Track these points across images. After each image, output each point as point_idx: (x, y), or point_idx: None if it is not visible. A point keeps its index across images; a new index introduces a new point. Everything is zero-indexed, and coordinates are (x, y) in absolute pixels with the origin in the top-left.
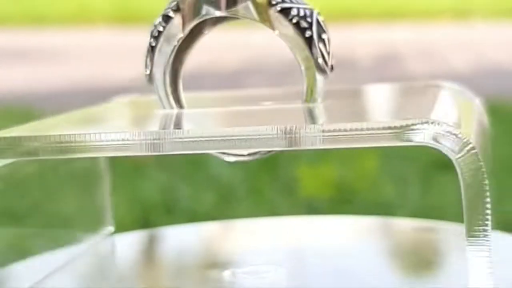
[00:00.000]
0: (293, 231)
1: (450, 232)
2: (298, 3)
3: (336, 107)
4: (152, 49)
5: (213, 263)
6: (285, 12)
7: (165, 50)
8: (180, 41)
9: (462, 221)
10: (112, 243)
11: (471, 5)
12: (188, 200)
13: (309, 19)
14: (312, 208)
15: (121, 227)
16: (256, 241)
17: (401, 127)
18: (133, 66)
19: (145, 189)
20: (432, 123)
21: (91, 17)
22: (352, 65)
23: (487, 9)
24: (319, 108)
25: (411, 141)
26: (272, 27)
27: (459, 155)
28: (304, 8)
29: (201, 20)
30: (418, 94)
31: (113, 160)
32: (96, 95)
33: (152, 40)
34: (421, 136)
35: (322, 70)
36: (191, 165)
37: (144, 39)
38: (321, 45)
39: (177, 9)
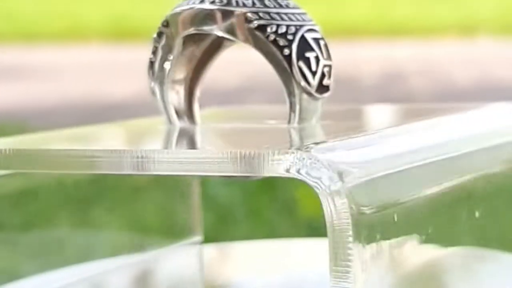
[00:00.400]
0: (293, 254)
1: None
2: (281, 19)
3: (311, 130)
4: (151, 64)
5: (211, 286)
6: (262, 29)
7: (163, 65)
8: (174, 57)
9: None
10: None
11: (476, 22)
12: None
13: (290, 37)
14: (312, 228)
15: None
16: (255, 264)
17: (245, 156)
18: (127, 82)
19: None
20: (293, 151)
21: (84, 34)
22: (354, 83)
23: (492, 26)
24: (290, 131)
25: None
26: (252, 45)
27: (325, 188)
28: (288, 25)
29: (183, 36)
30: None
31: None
32: (90, 112)
33: (151, 55)
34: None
35: (304, 91)
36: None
37: (138, 56)
38: (302, 64)
39: (166, 25)
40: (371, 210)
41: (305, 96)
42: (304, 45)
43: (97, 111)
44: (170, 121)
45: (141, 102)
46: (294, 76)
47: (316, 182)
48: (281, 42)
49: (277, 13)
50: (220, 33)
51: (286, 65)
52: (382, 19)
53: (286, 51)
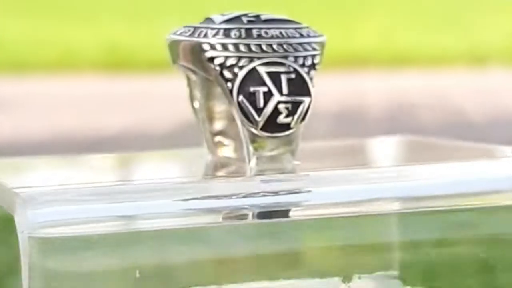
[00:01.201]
0: None
1: None
2: (239, 50)
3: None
4: (191, 98)
5: None
6: (211, 59)
7: (201, 101)
8: (195, 89)
9: None
10: None
11: (487, 51)
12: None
13: (236, 69)
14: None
15: None
16: None
17: None
18: (122, 115)
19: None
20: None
21: (77, 64)
22: (360, 114)
23: (504, 55)
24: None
25: None
26: (211, 78)
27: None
28: (241, 56)
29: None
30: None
31: None
32: (82, 147)
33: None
34: None
35: (248, 128)
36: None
37: (134, 87)
38: (243, 99)
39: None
40: None
41: (247, 133)
42: (253, 79)
43: (90, 145)
44: (209, 151)
45: (137, 136)
46: (235, 113)
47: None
48: (227, 74)
49: (232, 44)
50: (188, 66)
51: (230, 99)
52: (388, 47)
53: (229, 85)
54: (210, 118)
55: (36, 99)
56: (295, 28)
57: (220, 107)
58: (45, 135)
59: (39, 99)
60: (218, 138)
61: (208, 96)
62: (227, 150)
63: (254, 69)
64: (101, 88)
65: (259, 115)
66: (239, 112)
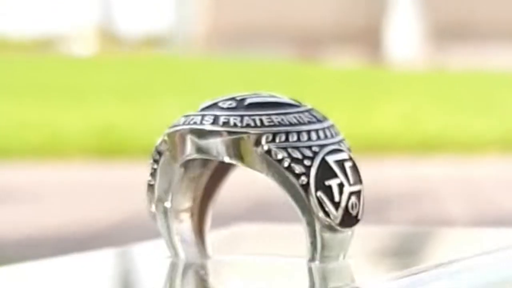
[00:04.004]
0: None
1: None
2: (298, 139)
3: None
4: (150, 187)
5: None
6: (273, 152)
7: (165, 190)
8: (175, 182)
9: None
10: None
11: None
12: None
13: (307, 162)
14: None
15: None
16: None
17: None
18: (115, 206)
19: None
20: None
21: (65, 150)
22: (382, 205)
23: None
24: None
25: None
26: (261, 170)
27: None
28: (304, 146)
29: (183, 161)
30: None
31: None
32: (70, 243)
33: (150, 177)
34: None
35: (325, 226)
36: None
37: (127, 175)
38: (321, 194)
39: (165, 145)
40: None
41: (326, 230)
42: (325, 171)
43: (79, 242)
44: (174, 253)
45: (130, 230)
46: (312, 209)
47: None
48: (297, 169)
49: (293, 132)
50: (226, 159)
51: (303, 195)
52: (413, 132)
53: (303, 180)
54: (177, 215)
55: (19, 189)
56: (313, 109)
57: (188, 202)
58: (29, 229)
59: (21, 189)
60: (184, 234)
61: (180, 190)
62: (193, 245)
63: (323, 159)
64: (92, 176)
65: (336, 210)
66: (318, 207)
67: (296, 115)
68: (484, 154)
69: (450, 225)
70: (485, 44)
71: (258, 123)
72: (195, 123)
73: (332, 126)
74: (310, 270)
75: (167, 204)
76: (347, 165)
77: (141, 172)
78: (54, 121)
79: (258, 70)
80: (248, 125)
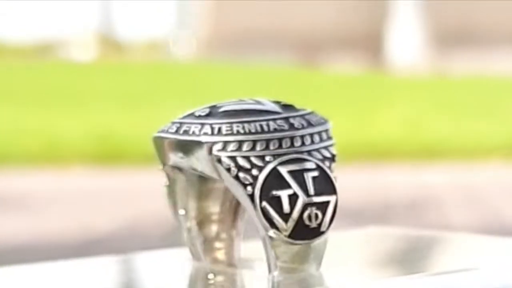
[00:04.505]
0: None
1: None
2: (253, 149)
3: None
4: (170, 195)
5: None
6: (223, 161)
7: (185, 202)
8: (197, 189)
9: None
10: None
11: None
12: None
13: (255, 172)
14: None
15: None
16: None
17: None
18: (112, 213)
19: None
20: None
21: (64, 156)
22: (384, 211)
23: None
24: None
25: None
26: (218, 179)
27: None
28: (258, 156)
29: (165, 170)
30: None
31: None
32: (68, 250)
33: (166, 185)
34: None
35: (276, 237)
36: None
37: (126, 181)
38: (266, 205)
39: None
40: None
41: (279, 243)
42: (275, 181)
43: (78, 249)
44: (197, 259)
45: (129, 236)
46: (258, 220)
47: None
48: (243, 178)
49: (248, 141)
50: (188, 168)
51: (250, 205)
52: (415, 138)
53: (249, 190)
54: (201, 221)
55: (17, 195)
56: (301, 116)
57: (215, 207)
58: (27, 236)
59: (19, 196)
60: (210, 243)
61: (200, 197)
62: (220, 254)
63: (274, 169)
64: (90, 183)
65: (285, 222)
66: (262, 219)
67: (264, 123)
68: (487, 160)
69: (451, 231)
70: (487, 49)
71: (216, 131)
72: (162, 131)
73: (313, 133)
74: (262, 282)
75: (187, 210)
76: (309, 175)
77: (140, 178)
78: (53, 127)
79: (259, 75)
80: (205, 133)
